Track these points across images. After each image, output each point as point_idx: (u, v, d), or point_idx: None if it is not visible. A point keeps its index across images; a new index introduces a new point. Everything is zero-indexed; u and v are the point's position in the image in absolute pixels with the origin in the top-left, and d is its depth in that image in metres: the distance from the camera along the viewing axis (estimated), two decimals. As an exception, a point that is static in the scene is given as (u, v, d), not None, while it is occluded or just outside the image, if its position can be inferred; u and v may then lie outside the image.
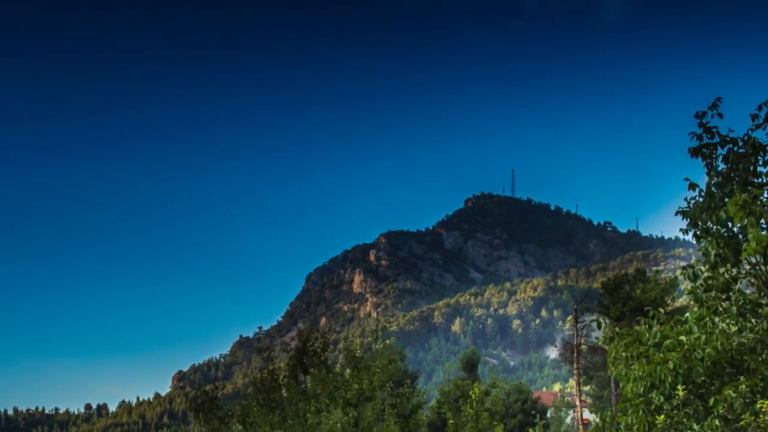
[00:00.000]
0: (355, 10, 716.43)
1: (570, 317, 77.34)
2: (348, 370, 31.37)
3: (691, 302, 17.40)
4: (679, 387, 15.67)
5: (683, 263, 18.06)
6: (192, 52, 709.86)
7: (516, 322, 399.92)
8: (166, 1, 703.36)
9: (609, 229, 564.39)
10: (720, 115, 17.31)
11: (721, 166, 17.24)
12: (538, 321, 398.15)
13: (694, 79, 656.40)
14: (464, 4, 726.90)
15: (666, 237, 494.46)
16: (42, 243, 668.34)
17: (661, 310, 17.63)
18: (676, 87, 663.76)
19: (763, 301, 16.43)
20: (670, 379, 15.75)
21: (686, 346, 16.06)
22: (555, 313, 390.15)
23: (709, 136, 17.35)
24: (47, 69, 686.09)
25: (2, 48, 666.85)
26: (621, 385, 16.95)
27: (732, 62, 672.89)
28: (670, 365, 15.86)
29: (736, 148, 17.13)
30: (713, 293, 16.73)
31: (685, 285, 17.48)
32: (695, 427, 15.55)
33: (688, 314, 16.83)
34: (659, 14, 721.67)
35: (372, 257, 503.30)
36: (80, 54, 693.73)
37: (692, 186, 17.24)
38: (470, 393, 32.79)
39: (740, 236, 16.85)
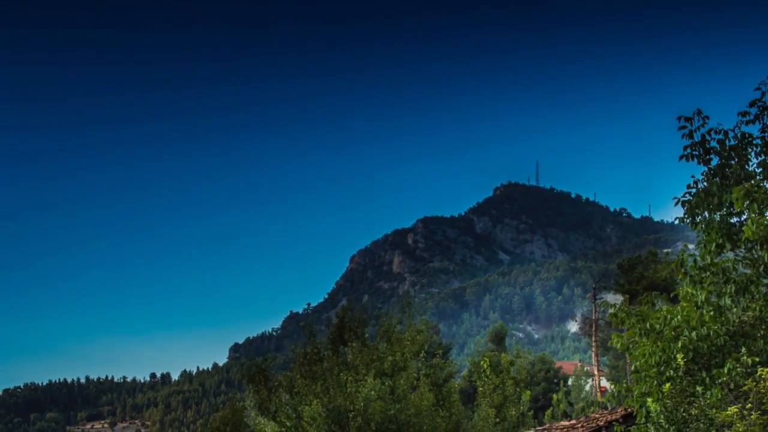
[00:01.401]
0: (388, 16, 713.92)
1: (589, 295, 77.04)
2: (383, 343, 31.27)
3: (686, 282, 17.23)
4: (679, 356, 15.62)
5: (691, 245, 17.91)
6: (254, 60, 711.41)
7: (540, 299, 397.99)
8: (222, 15, 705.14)
9: (624, 214, 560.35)
10: (706, 117, 17.17)
11: (715, 160, 17.11)
12: (560, 298, 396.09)
13: (701, 73, 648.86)
14: (491, 5, 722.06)
15: (676, 222, 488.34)
16: (114, 233, 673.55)
17: (681, 278, 17.49)
18: (684, 80, 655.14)
19: (764, 280, 16.27)
20: (681, 355, 15.71)
21: (693, 324, 15.95)
22: (575, 291, 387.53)
23: (698, 140, 17.27)
24: (104, 79, 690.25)
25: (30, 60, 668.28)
26: (629, 360, 16.89)
27: (737, 55, 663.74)
28: (679, 344, 15.80)
29: (727, 141, 16.99)
30: (708, 275, 16.60)
31: (682, 270, 17.36)
32: (698, 388, 15.53)
33: (684, 291, 16.73)
34: (671, 9, 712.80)
35: (410, 240, 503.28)
36: (119, 66, 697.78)
37: (695, 182, 17.23)
38: (483, 364, 32.64)
39: (737, 225, 16.72)
